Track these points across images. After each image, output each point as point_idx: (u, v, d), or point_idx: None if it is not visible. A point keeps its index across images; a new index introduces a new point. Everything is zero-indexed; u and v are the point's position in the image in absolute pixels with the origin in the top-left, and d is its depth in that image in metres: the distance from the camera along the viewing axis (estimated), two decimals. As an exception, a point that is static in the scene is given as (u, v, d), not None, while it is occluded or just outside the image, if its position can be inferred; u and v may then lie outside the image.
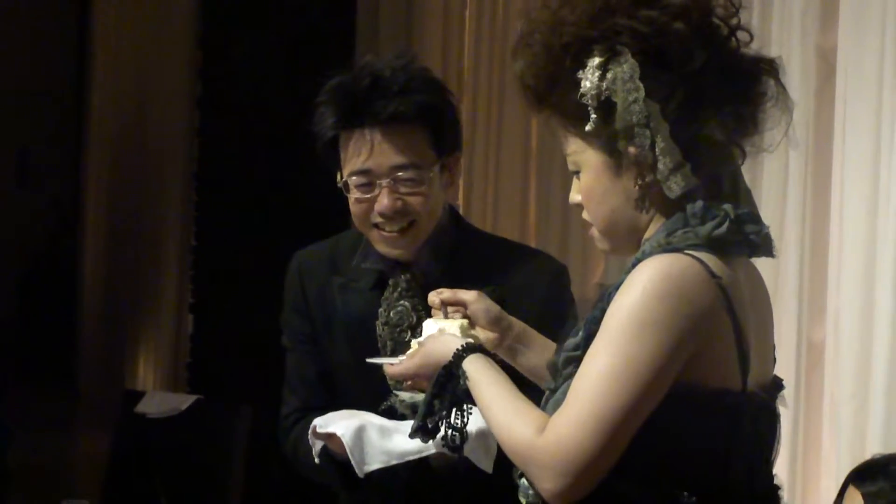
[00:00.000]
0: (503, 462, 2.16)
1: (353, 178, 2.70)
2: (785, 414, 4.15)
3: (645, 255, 2.05)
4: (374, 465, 2.55)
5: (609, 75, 2.07)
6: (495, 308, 2.41)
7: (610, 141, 2.10)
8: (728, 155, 2.09)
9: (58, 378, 6.05)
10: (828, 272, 4.08)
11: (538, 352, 2.38)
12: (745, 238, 2.07)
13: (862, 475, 2.97)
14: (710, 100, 2.06)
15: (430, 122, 2.72)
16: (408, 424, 2.23)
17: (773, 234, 4.28)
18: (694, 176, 2.07)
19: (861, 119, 3.96)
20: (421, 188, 2.71)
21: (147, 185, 6.26)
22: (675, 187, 2.07)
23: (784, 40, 4.21)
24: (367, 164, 2.69)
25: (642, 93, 2.05)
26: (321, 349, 2.82)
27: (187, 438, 5.08)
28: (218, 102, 6.17)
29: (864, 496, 2.86)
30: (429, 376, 2.21)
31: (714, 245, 2.04)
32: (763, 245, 2.10)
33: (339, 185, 2.75)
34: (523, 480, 2.09)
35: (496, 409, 2.08)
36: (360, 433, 2.56)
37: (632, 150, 2.08)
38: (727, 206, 2.07)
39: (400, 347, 2.69)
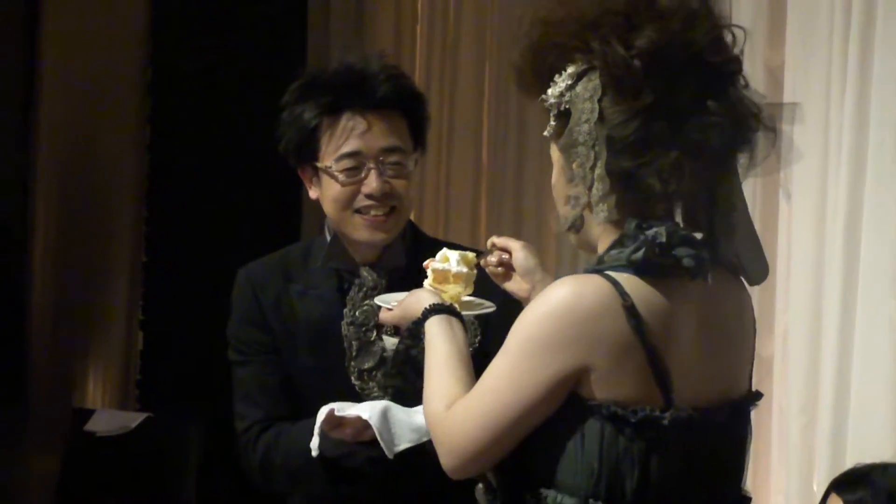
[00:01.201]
0: None
1: (341, 161, 2.77)
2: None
3: (587, 270, 2.12)
4: (403, 444, 2.58)
5: (577, 88, 2.11)
6: (532, 261, 2.50)
7: (562, 150, 2.15)
8: (661, 198, 2.10)
9: (6, 396, 6.00)
10: (776, 289, 4.10)
11: None
12: (676, 261, 2.08)
13: (844, 483, 3.01)
14: (654, 142, 2.08)
15: (411, 111, 2.83)
16: None
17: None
18: (616, 210, 2.11)
19: (809, 137, 3.99)
20: (405, 171, 2.80)
21: (97, 201, 6.22)
22: (600, 214, 2.11)
23: (733, 57, 4.23)
24: (357, 145, 2.77)
25: (595, 115, 2.09)
26: (281, 358, 2.83)
27: (138, 456, 5.05)
28: (168, 118, 6.15)
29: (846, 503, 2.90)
30: (406, 327, 2.36)
31: (636, 267, 2.08)
32: (696, 269, 2.10)
33: (324, 168, 2.79)
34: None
35: (430, 375, 2.20)
36: (385, 414, 2.59)
37: (574, 166, 2.12)
38: (657, 230, 2.09)
39: (366, 347, 2.73)
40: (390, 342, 2.61)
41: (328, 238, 2.87)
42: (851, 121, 3.85)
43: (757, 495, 4.16)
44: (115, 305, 6.24)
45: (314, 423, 2.66)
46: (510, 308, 2.50)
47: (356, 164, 2.77)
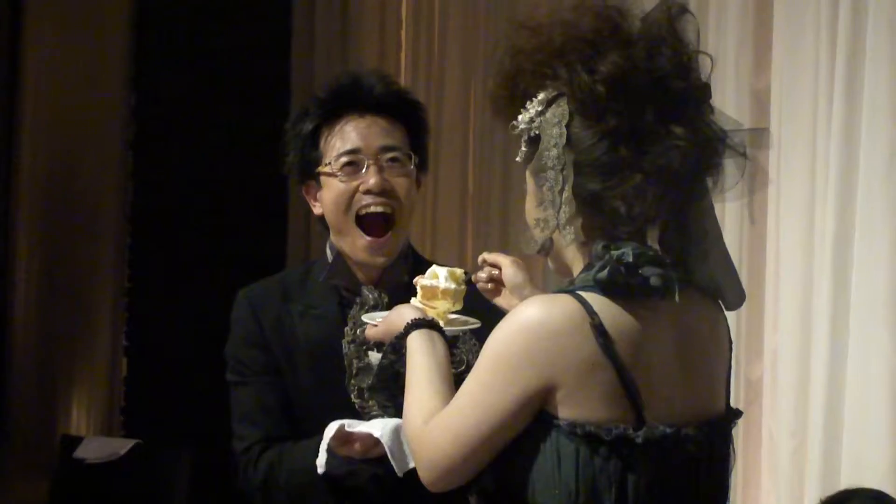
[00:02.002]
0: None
1: (340, 159, 2.83)
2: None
3: (556, 290, 2.15)
4: (413, 462, 2.55)
5: (546, 114, 2.15)
6: (521, 277, 2.55)
7: (532, 174, 2.20)
8: (626, 221, 2.13)
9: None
10: (764, 311, 4.10)
11: None
12: (642, 281, 2.11)
13: None
14: (619, 166, 2.12)
15: (408, 117, 2.89)
16: None
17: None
18: (583, 233, 2.15)
19: (795, 160, 4.00)
20: (405, 170, 2.85)
21: (80, 227, 6.21)
22: (567, 237, 2.15)
23: (718, 81, 4.22)
24: (356, 143, 2.84)
25: (563, 140, 2.13)
26: (281, 379, 2.84)
27: (127, 483, 5.03)
28: (151, 144, 6.13)
29: None
30: (388, 342, 2.40)
31: (603, 287, 2.11)
32: (664, 288, 2.12)
33: (324, 170, 2.84)
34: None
35: (410, 390, 2.24)
36: (397, 433, 2.61)
37: (544, 189, 2.15)
38: (624, 250, 2.11)
39: (366, 365, 2.74)
40: (375, 357, 2.63)
41: (330, 257, 2.89)
42: (839, 143, 3.86)
43: (747, 518, 4.17)
44: (99, 332, 6.22)
45: (320, 441, 2.68)
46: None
47: (355, 160, 2.83)
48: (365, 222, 2.84)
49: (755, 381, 4.15)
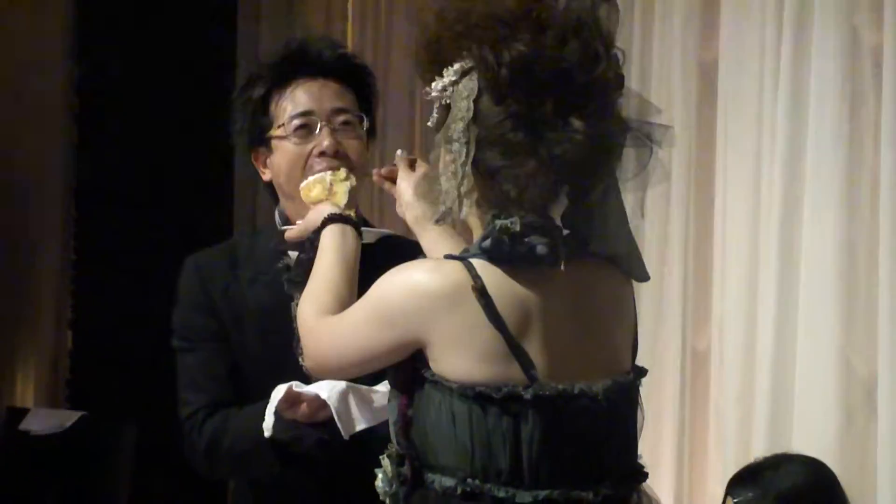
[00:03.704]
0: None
1: (293, 122, 2.81)
2: (671, 419, 4.24)
3: (446, 257, 2.23)
4: (360, 425, 2.63)
5: (459, 86, 2.19)
6: (402, 187, 2.59)
7: (441, 143, 2.23)
8: (515, 204, 2.17)
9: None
10: (712, 280, 4.13)
11: (431, 240, 2.50)
12: (529, 249, 2.17)
13: (735, 483, 3.00)
14: (516, 150, 2.15)
15: (357, 82, 2.88)
16: (385, 385, 2.35)
17: (658, 243, 4.36)
18: (477, 208, 2.20)
19: (742, 132, 4.03)
20: (357, 133, 2.83)
21: (25, 200, 6.17)
22: (464, 209, 2.21)
23: (665, 55, 4.26)
24: (308, 105, 2.82)
25: (470, 114, 2.17)
26: (229, 345, 2.83)
27: (73, 455, 5.02)
28: (96, 115, 6.09)
29: None
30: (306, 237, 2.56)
31: (489, 254, 2.18)
32: (549, 256, 2.18)
33: (276, 133, 2.82)
34: (382, 469, 2.26)
35: (313, 279, 2.39)
36: (344, 395, 2.63)
37: (448, 160, 2.19)
38: (511, 219, 2.17)
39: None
40: (295, 256, 2.69)
41: (279, 224, 2.88)
42: (786, 115, 3.89)
43: (693, 485, 4.21)
44: (44, 304, 6.19)
45: (265, 406, 2.68)
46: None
47: (308, 122, 2.81)
48: None
49: (702, 350, 4.18)
